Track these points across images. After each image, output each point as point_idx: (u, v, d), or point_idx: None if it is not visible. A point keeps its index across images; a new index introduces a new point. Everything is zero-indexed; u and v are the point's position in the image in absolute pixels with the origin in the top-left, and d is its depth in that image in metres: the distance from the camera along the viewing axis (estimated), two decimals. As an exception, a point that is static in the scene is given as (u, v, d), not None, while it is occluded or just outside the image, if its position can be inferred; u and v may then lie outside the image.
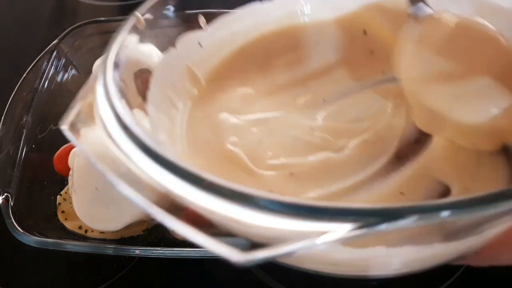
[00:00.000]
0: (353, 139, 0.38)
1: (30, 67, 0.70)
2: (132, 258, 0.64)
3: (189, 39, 0.44)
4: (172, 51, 0.42)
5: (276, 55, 0.46)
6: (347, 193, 0.34)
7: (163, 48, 0.42)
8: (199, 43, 0.45)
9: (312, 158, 0.36)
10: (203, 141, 0.39)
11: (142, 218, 0.58)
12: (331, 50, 0.45)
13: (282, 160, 0.37)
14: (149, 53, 0.39)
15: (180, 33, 0.44)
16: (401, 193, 0.33)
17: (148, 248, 0.56)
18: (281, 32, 0.46)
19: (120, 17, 0.81)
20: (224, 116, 0.40)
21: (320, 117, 0.41)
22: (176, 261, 0.63)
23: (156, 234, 0.62)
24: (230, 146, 0.37)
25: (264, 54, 0.46)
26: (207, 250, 0.57)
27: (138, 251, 0.55)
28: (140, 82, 0.37)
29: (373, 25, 0.44)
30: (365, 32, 0.44)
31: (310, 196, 0.33)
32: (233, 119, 0.40)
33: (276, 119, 0.41)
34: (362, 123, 0.39)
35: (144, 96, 0.37)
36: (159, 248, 0.55)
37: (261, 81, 0.44)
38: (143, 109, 0.36)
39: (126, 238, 0.61)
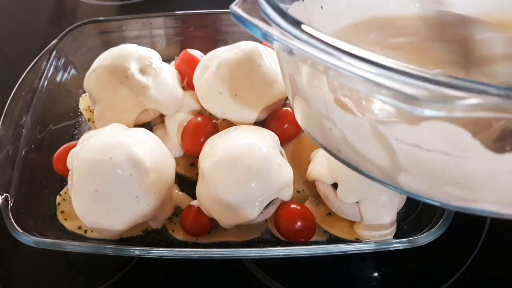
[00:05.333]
0: None
1: (29, 66, 0.70)
2: (132, 258, 0.64)
3: None
4: (300, 3, 0.46)
5: (391, 36, 0.51)
6: None
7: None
8: (321, 6, 0.49)
9: None
10: None
11: (143, 221, 0.58)
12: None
13: None
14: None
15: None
16: None
17: (148, 248, 0.56)
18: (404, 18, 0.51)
19: (119, 17, 0.81)
20: None
21: None
22: (176, 261, 0.63)
23: (156, 234, 0.62)
24: None
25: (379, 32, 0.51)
26: (207, 251, 0.57)
27: (137, 251, 0.55)
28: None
29: None
30: None
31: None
32: None
33: None
34: None
35: None
36: (159, 248, 0.55)
37: None
38: None
39: (125, 238, 0.61)
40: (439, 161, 0.34)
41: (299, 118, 0.48)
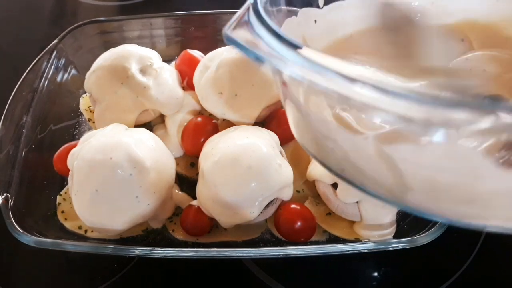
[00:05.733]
0: None
1: (30, 67, 0.70)
2: (132, 258, 0.64)
3: (309, 12, 0.48)
4: (293, 19, 0.46)
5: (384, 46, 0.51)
6: None
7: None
8: (315, 20, 0.49)
9: None
10: None
11: (143, 221, 0.58)
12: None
13: None
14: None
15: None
16: None
17: (148, 248, 0.56)
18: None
19: (120, 17, 0.82)
20: None
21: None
22: (176, 261, 0.63)
23: (156, 234, 0.62)
24: None
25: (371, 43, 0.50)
26: (207, 250, 0.57)
27: (138, 251, 0.55)
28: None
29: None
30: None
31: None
32: None
33: None
34: None
35: None
36: (159, 248, 0.55)
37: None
38: None
39: (125, 238, 0.61)
40: (449, 180, 0.32)
41: (299, 138, 0.47)
